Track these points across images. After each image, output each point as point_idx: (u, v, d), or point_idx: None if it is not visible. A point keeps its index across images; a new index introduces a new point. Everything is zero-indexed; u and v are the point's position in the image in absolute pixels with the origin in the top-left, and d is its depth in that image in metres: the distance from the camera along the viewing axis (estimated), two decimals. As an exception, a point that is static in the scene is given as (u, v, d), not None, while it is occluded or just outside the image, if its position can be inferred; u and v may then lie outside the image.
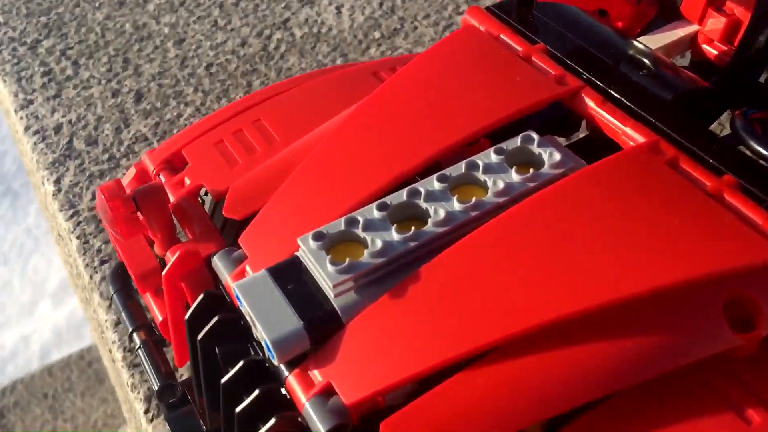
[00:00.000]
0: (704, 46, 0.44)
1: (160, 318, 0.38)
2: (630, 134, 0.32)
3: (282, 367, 0.29)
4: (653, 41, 0.44)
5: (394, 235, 0.29)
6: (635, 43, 0.39)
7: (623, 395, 0.27)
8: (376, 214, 0.30)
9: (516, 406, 0.26)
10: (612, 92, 0.34)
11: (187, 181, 0.38)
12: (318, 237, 0.30)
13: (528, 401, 0.26)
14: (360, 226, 0.30)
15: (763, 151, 0.32)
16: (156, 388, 0.38)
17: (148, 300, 0.39)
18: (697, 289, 0.27)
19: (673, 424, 0.26)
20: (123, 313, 0.42)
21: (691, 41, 0.44)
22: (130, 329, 0.41)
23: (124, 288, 0.43)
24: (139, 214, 0.37)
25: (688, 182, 0.30)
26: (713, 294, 0.27)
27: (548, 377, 0.26)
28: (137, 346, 0.40)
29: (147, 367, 0.39)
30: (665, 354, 0.27)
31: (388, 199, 0.31)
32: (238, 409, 0.29)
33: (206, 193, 0.40)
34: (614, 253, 0.28)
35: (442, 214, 0.30)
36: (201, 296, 0.32)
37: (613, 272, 0.27)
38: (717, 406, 0.26)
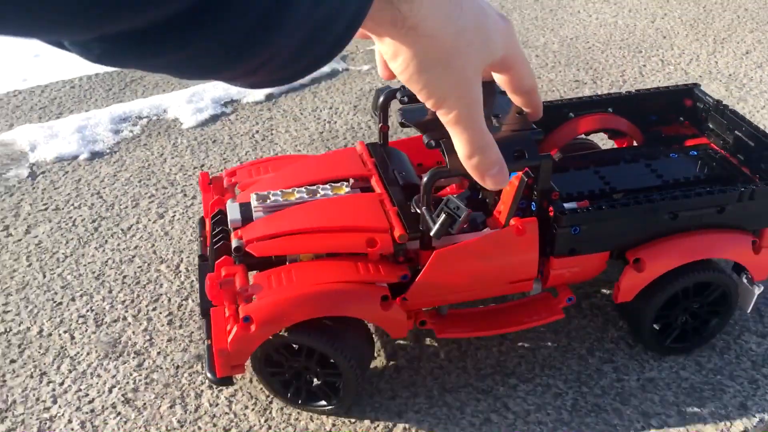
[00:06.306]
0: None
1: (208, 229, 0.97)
2: (379, 191, 0.89)
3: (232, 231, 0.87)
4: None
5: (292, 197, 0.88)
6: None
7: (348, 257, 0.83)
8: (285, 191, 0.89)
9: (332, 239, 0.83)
10: (382, 178, 0.91)
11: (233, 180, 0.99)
12: (256, 196, 0.88)
13: (346, 241, 0.83)
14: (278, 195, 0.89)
15: (416, 210, 0.87)
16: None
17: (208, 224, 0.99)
18: (360, 233, 0.83)
19: (346, 271, 0.82)
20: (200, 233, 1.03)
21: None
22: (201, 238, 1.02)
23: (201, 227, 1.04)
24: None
25: (380, 203, 0.86)
26: (364, 235, 0.83)
27: (345, 236, 0.83)
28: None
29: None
30: (356, 245, 0.82)
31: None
32: (213, 241, 0.87)
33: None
34: (358, 212, 0.84)
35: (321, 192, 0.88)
36: (216, 211, 0.92)
37: (351, 218, 0.84)
38: (357, 266, 0.82)
